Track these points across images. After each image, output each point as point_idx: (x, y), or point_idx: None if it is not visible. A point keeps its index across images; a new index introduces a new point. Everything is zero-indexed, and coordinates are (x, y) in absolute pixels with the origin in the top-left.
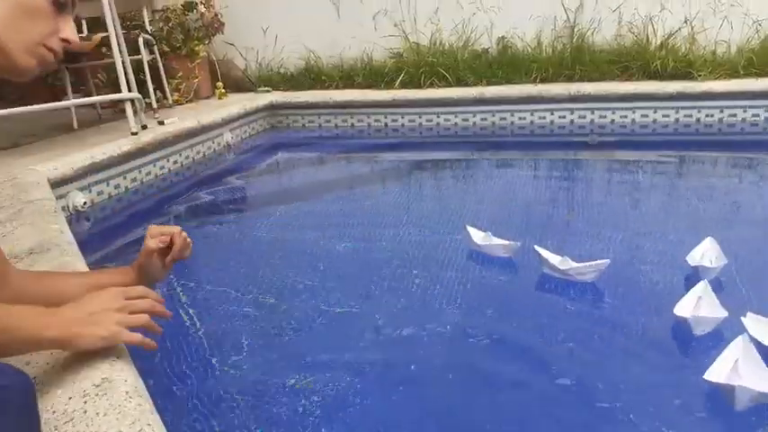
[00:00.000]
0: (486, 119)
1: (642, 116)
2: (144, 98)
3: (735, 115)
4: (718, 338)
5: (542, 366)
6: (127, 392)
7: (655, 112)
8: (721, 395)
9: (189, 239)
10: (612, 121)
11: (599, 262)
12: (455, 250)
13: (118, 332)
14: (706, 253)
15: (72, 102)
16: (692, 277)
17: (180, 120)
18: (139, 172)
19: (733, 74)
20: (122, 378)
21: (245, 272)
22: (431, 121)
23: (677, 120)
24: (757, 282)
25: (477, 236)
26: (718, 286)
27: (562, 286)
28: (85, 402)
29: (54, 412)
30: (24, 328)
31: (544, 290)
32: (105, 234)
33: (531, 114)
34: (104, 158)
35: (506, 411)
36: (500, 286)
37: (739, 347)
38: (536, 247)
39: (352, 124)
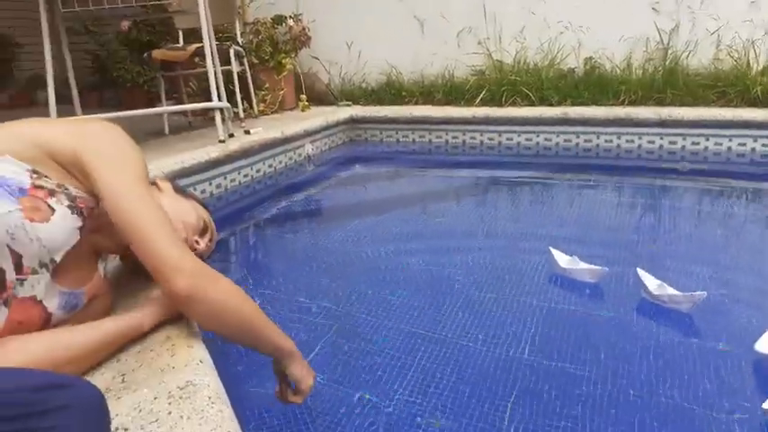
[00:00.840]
0: (569, 140)
1: (739, 144)
2: (232, 107)
3: None
4: None
5: (621, 393)
6: (209, 397)
7: (755, 141)
8: None
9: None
10: (706, 148)
11: (696, 294)
12: (535, 272)
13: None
14: None
15: (165, 108)
16: None
17: (264, 130)
18: (224, 178)
19: None
20: (206, 383)
21: (318, 282)
22: (511, 139)
23: None
24: None
25: (563, 259)
26: None
27: (652, 315)
28: (170, 404)
29: (140, 411)
30: (271, 330)
31: (632, 318)
32: None
33: (618, 138)
34: (194, 164)
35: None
36: (586, 312)
37: None
38: (638, 270)
39: (430, 140)
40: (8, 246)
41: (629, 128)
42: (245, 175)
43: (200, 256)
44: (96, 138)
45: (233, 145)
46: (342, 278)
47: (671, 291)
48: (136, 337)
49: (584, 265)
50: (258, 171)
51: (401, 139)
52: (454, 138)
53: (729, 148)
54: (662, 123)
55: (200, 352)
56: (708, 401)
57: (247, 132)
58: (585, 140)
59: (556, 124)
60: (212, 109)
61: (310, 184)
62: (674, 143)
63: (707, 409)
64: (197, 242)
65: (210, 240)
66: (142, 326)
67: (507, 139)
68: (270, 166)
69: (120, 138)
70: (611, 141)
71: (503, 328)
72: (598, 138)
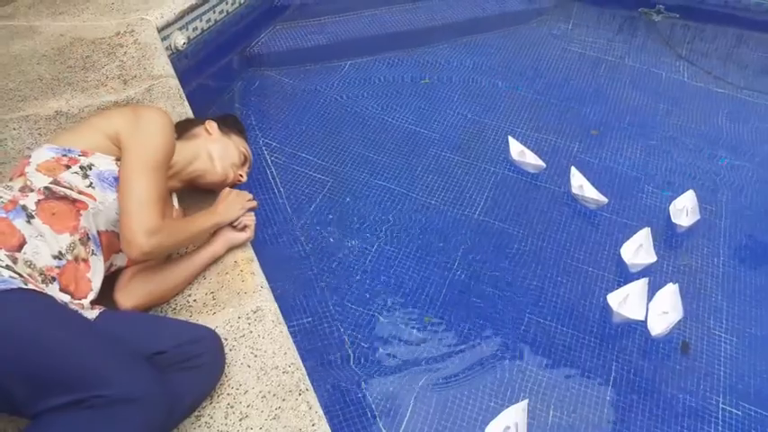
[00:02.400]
0: None
1: None
2: None
3: None
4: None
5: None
6: (273, 321)
7: None
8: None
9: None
10: None
11: (598, 198)
12: (497, 143)
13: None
14: (686, 205)
15: None
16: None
17: None
18: (225, 3)
19: None
20: (269, 308)
21: (314, 138)
22: None
23: None
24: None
25: (515, 150)
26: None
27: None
28: (249, 324)
29: (231, 327)
30: (199, 231)
31: (563, 194)
32: (201, 66)
33: None
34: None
35: (506, 264)
36: (528, 182)
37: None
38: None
39: None
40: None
41: None
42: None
43: (239, 180)
44: (134, 124)
45: None
46: (336, 134)
47: (588, 191)
48: (213, 262)
49: (530, 159)
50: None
51: None
52: None
53: None
54: None
55: (260, 278)
56: (603, 264)
57: None
58: None
59: None
60: None
61: (304, 6)
62: None
63: (600, 269)
64: (241, 176)
65: (249, 167)
66: (217, 253)
67: None
68: None
69: (153, 122)
70: None
71: (462, 191)
72: None
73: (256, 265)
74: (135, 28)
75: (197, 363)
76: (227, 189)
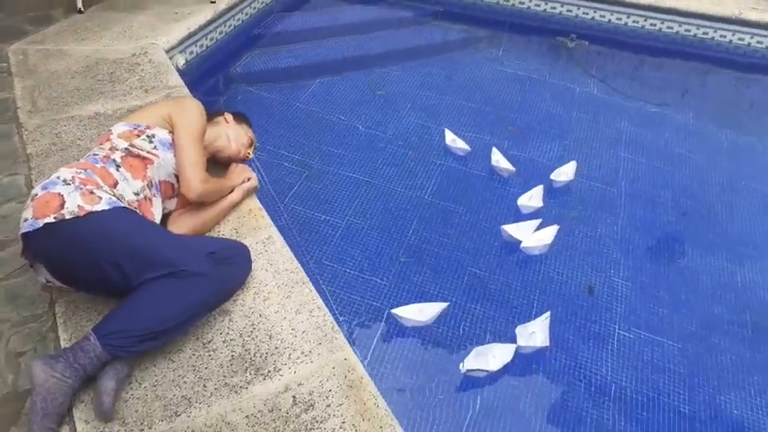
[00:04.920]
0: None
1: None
2: None
3: None
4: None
5: (476, 225)
6: (280, 243)
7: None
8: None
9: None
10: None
11: (509, 168)
12: (440, 140)
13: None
14: (567, 171)
15: None
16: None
17: None
18: (214, 32)
19: None
20: (276, 236)
21: (292, 138)
22: None
23: None
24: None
25: (449, 137)
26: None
27: (498, 177)
28: (264, 246)
29: (252, 249)
30: (224, 183)
31: (489, 176)
32: (196, 83)
33: None
34: (195, 28)
35: (451, 231)
36: (465, 170)
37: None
38: (493, 148)
39: None
40: (174, 174)
41: None
42: (230, 25)
43: (247, 156)
44: (180, 109)
45: (221, 4)
46: (308, 136)
47: (503, 163)
48: (233, 207)
49: (459, 144)
50: (238, 21)
51: None
52: None
53: None
54: None
55: (268, 220)
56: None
57: None
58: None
59: None
60: None
61: (279, 34)
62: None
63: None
64: (248, 153)
65: (254, 148)
66: (235, 200)
67: None
68: (246, 14)
69: (193, 109)
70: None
71: (415, 178)
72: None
73: (264, 212)
74: (148, 50)
75: (235, 260)
76: (235, 164)
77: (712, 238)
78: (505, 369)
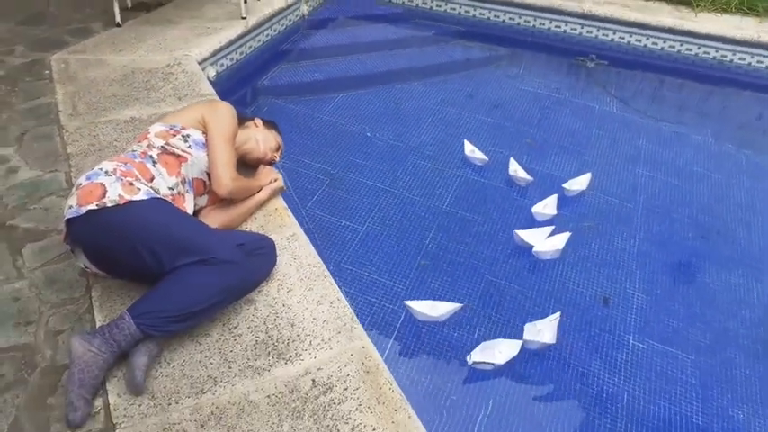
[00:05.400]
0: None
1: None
2: None
3: None
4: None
5: (493, 234)
6: (304, 240)
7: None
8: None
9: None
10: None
11: (527, 177)
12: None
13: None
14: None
15: None
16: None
17: None
18: (244, 46)
19: None
20: (300, 233)
21: (315, 148)
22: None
23: None
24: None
25: (467, 148)
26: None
27: (515, 186)
28: (288, 243)
29: (277, 244)
30: (253, 182)
31: (505, 186)
32: (226, 94)
33: None
34: (226, 42)
35: (469, 240)
36: (483, 181)
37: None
38: (511, 158)
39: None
40: (206, 172)
41: None
42: (259, 41)
43: (274, 160)
44: (214, 112)
45: (252, 20)
46: (331, 146)
47: (520, 173)
48: (260, 206)
49: (478, 155)
50: (267, 36)
51: None
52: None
53: None
54: None
55: (293, 219)
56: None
57: None
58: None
59: None
60: None
61: (305, 50)
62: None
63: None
64: (275, 157)
65: (281, 153)
66: (262, 199)
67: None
68: (275, 30)
69: (225, 112)
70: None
71: (434, 188)
72: None
73: (289, 212)
74: (181, 61)
75: (263, 252)
76: (262, 165)
77: (729, 254)
78: (516, 369)
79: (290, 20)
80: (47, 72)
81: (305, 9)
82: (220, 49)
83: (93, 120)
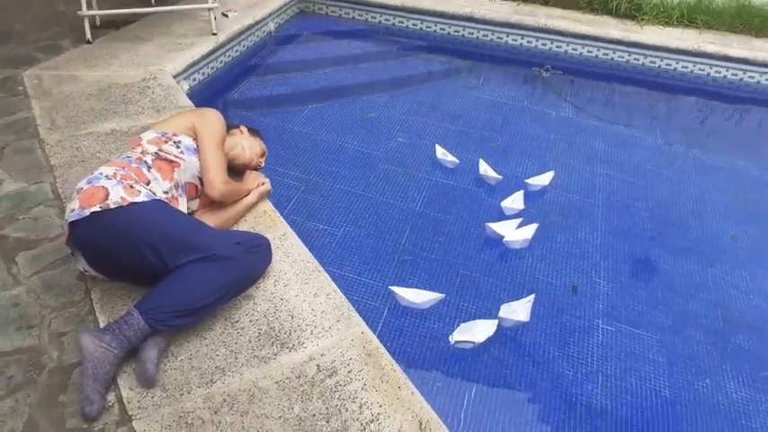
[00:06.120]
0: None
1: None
2: None
3: None
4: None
5: (464, 233)
6: (295, 239)
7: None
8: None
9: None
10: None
11: (497, 176)
12: (430, 156)
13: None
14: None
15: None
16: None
17: (240, 13)
18: (215, 61)
19: None
20: (290, 233)
21: (288, 156)
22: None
23: None
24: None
25: (438, 152)
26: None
27: (484, 187)
28: (281, 241)
29: (272, 245)
30: (241, 186)
31: (473, 187)
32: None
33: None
34: (198, 57)
35: (442, 239)
36: (453, 183)
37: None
38: (480, 160)
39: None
40: (198, 177)
41: None
42: (229, 56)
43: (260, 165)
44: (203, 119)
45: (222, 36)
46: (304, 155)
47: (490, 172)
48: (249, 209)
49: (449, 158)
50: (236, 52)
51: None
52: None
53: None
54: None
55: (281, 219)
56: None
57: (225, 15)
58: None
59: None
60: (208, 9)
61: (274, 65)
62: None
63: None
64: (260, 162)
65: (265, 158)
66: (251, 201)
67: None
68: (244, 46)
69: (214, 119)
70: None
71: (406, 191)
72: None
73: (278, 213)
74: (157, 75)
75: (259, 250)
76: (249, 171)
77: (684, 243)
78: (495, 354)
79: (257, 36)
80: (20, 88)
81: (272, 26)
82: (193, 64)
83: (73, 132)
